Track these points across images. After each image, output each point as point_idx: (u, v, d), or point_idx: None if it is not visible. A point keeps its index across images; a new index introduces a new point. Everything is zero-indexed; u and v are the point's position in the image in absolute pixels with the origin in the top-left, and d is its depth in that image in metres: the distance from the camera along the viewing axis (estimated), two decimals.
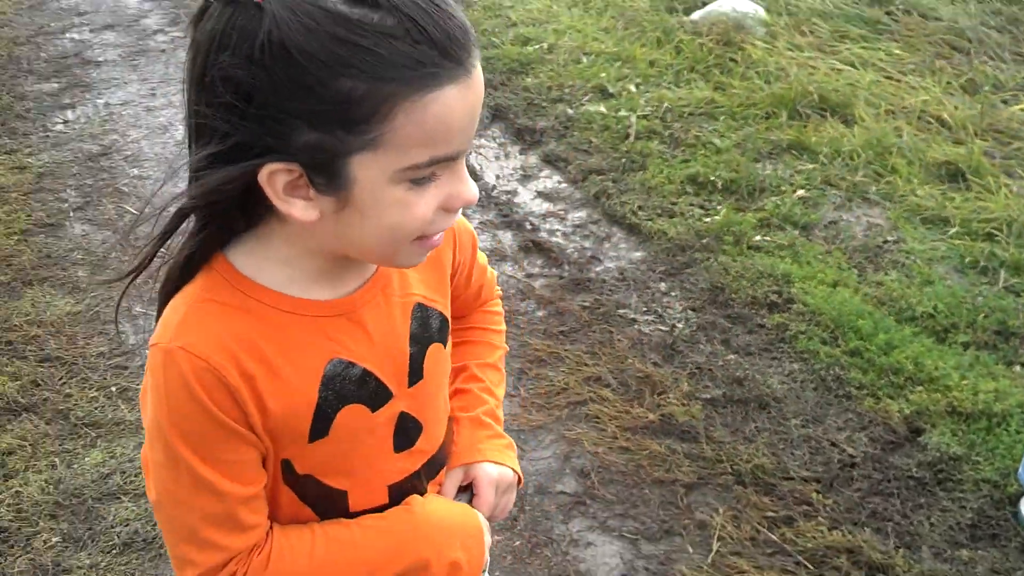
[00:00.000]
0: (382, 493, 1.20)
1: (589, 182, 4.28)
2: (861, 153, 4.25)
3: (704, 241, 3.80)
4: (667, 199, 4.09)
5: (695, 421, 2.99)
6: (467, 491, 1.32)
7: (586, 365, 3.26)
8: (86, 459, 2.96)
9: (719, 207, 4.01)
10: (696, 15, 5.62)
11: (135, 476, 2.88)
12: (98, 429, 3.07)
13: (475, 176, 4.43)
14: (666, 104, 4.78)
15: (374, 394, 1.15)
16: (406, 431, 1.20)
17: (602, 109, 4.78)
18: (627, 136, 4.56)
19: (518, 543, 2.66)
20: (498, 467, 1.34)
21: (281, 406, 1.07)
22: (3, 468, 2.94)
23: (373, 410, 1.15)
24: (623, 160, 4.39)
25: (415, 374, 1.19)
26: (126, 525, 2.72)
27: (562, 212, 4.13)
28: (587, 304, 3.55)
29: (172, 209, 1.05)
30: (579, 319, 3.48)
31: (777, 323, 3.36)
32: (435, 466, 1.27)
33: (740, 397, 3.08)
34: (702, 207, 4.03)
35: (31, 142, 5.00)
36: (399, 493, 1.21)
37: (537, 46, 5.51)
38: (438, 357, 1.23)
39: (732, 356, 3.25)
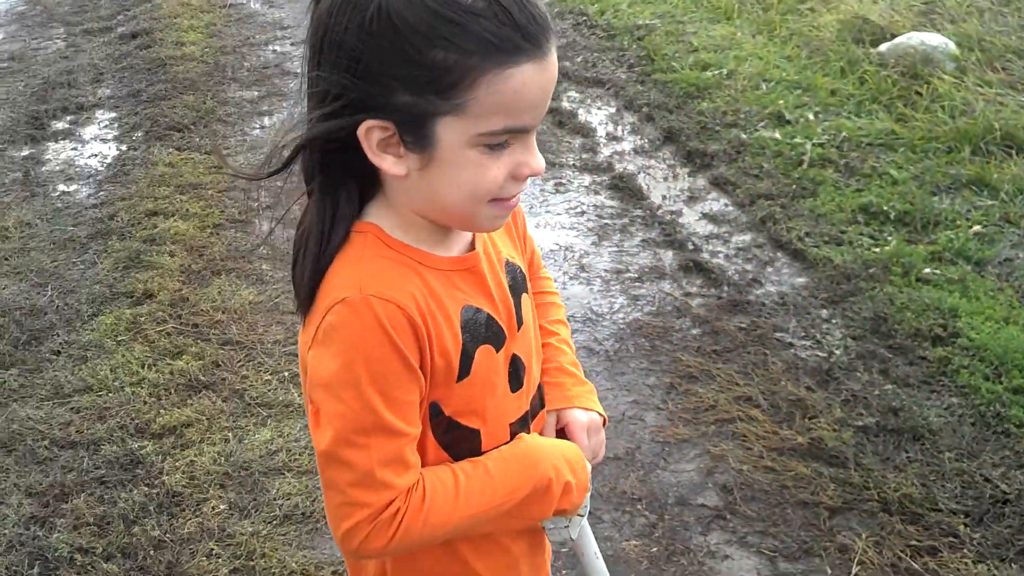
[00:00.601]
0: (505, 431, 1.32)
1: (756, 206, 4.27)
2: None
3: (871, 271, 3.74)
4: (836, 227, 4.04)
5: (845, 447, 2.96)
6: (561, 436, 1.43)
7: (737, 385, 3.27)
8: (256, 436, 3.16)
9: (890, 238, 3.94)
10: (883, 47, 5.52)
11: (299, 454, 3.06)
12: (269, 409, 3.28)
13: (641, 195, 4.50)
14: (844, 133, 4.72)
15: (496, 336, 1.29)
16: (516, 371, 1.33)
17: (776, 135, 4.77)
18: (800, 163, 4.53)
19: (655, 549, 2.70)
20: (587, 412, 1.44)
21: (440, 347, 1.21)
22: (181, 439, 3.18)
23: (497, 350, 1.29)
24: (794, 187, 4.37)
25: (519, 320, 1.33)
26: (288, 499, 2.90)
27: (726, 234, 4.14)
28: (744, 325, 3.56)
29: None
30: (734, 339, 3.49)
31: (939, 356, 3.28)
32: (536, 406, 1.39)
33: (894, 427, 3.02)
34: (872, 237, 3.97)
35: (229, 144, 5.36)
36: (519, 429, 1.34)
37: (716, 72, 5.53)
38: (528, 305, 1.39)
39: (889, 386, 3.19)
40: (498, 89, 1.08)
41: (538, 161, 1.17)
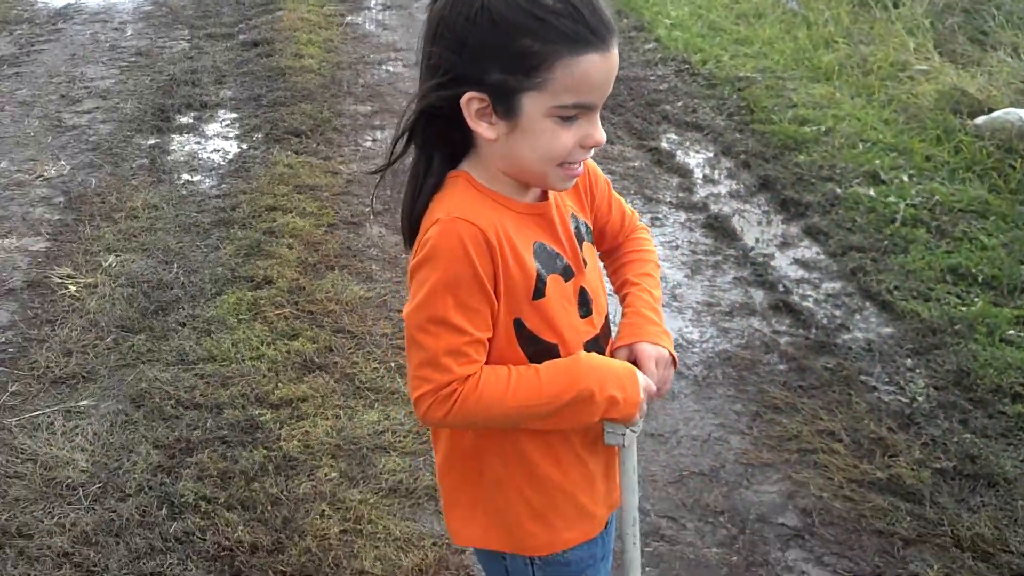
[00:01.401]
0: (579, 349, 1.59)
1: (847, 257, 4.44)
2: None
3: (956, 327, 3.89)
4: (925, 283, 4.20)
5: (922, 486, 3.11)
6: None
7: (821, 419, 3.43)
8: (364, 416, 3.40)
9: (976, 299, 4.08)
10: (980, 119, 5.66)
11: (404, 436, 3.28)
12: (377, 394, 3.52)
13: (735, 236, 4.69)
14: (937, 197, 4.88)
15: (565, 270, 1.59)
16: (585, 302, 1.63)
17: (871, 192, 4.94)
18: (893, 221, 4.70)
19: (735, 559, 2.87)
20: (655, 346, 1.67)
21: (517, 269, 1.51)
22: (297, 411, 3.42)
23: (565, 280, 1.59)
24: (885, 242, 4.53)
25: (584, 261, 1.64)
26: (393, 474, 3.12)
27: (816, 280, 4.32)
28: (830, 366, 3.72)
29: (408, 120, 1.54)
30: (820, 378, 3.65)
31: (1019, 412, 3.41)
32: (606, 333, 1.70)
33: (971, 472, 3.17)
34: (959, 296, 4.11)
35: (343, 153, 5.65)
36: (594, 350, 1.61)
37: (814, 128, 5.72)
38: (591, 251, 1.70)
39: (968, 435, 3.34)
40: (571, 72, 1.40)
41: (600, 134, 1.49)
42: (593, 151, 1.52)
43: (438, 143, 1.53)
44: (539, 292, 1.54)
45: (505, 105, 1.43)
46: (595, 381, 1.53)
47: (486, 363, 1.53)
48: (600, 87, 1.44)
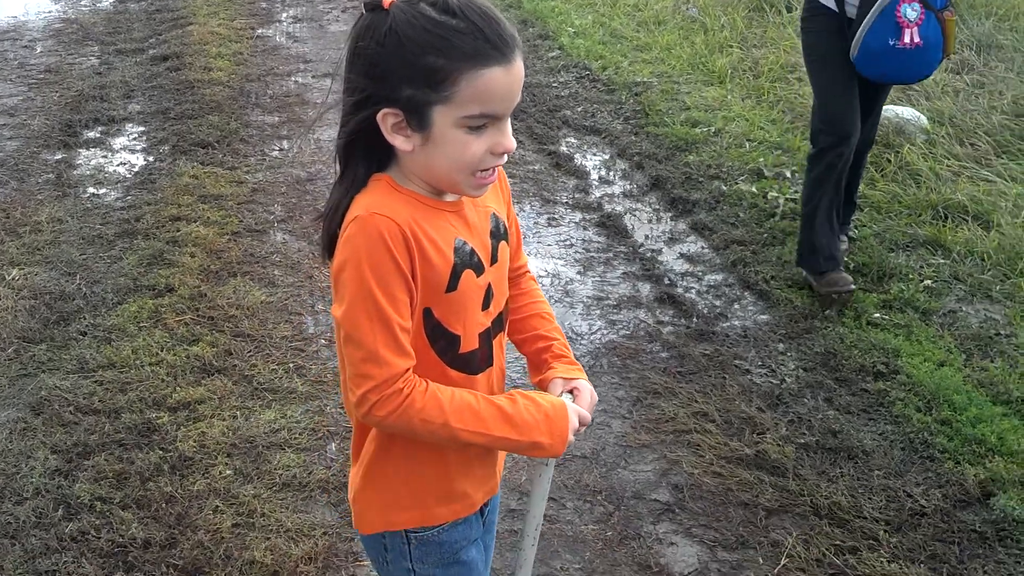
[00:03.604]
0: (475, 339, 1.73)
1: (730, 251, 4.67)
2: (993, 255, 4.48)
3: (827, 312, 4.12)
4: (800, 273, 4.43)
5: (786, 460, 3.32)
6: (569, 395, 1.80)
7: (696, 402, 3.63)
8: (261, 416, 3.52)
9: None
10: None
11: (300, 434, 3.42)
12: (274, 394, 3.64)
13: (626, 234, 4.89)
14: None
15: (478, 265, 1.69)
16: (488, 296, 1.74)
17: (753, 189, 5.18)
18: (773, 215, 4.94)
19: (610, 534, 3.05)
20: (590, 384, 1.83)
21: (435, 262, 1.61)
22: (194, 413, 3.53)
23: (477, 276, 1.70)
24: (765, 235, 4.77)
25: (494, 258, 1.74)
26: (287, 470, 3.25)
27: (700, 273, 4.54)
28: (707, 352, 3.93)
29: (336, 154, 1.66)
30: (698, 363, 3.86)
31: (879, 389, 3.65)
32: (499, 324, 1.80)
33: (832, 446, 3.39)
34: None
35: (249, 163, 5.76)
36: (483, 340, 1.75)
37: (705, 129, 5.96)
38: (504, 250, 1.80)
39: (832, 412, 3.56)
40: (474, 84, 1.50)
41: (510, 141, 1.59)
42: (505, 157, 1.61)
43: (362, 159, 1.62)
44: (452, 286, 1.64)
45: (417, 118, 1.53)
46: (522, 426, 1.65)
47: None
48: (505, 98, 1.54)
